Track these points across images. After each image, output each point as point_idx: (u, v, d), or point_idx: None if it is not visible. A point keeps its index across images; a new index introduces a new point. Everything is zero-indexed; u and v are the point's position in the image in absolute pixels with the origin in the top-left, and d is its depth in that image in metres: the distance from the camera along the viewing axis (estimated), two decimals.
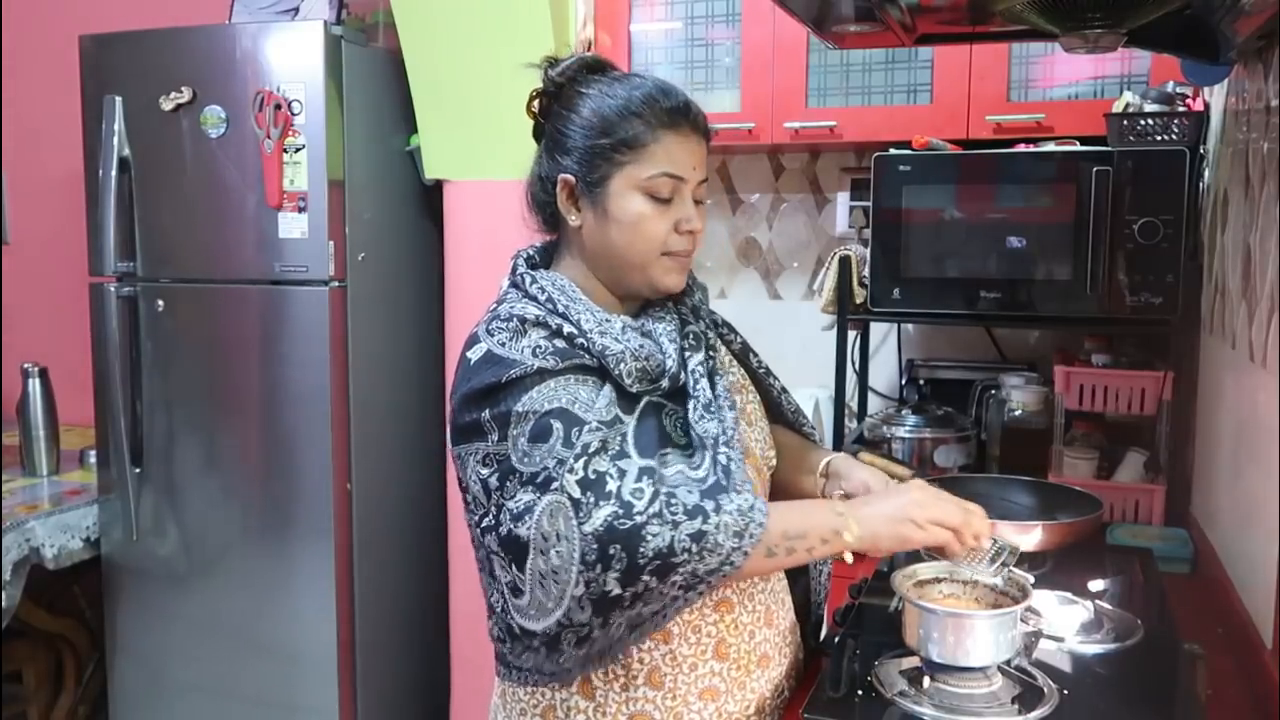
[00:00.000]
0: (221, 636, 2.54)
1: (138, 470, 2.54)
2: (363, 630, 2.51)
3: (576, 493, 1.06)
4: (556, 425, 1.10)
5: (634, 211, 1.20)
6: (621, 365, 1.16)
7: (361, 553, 2.50)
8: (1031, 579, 1.30)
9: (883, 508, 1.19)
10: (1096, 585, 1.61)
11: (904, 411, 2.41)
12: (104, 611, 2.67)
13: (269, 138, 2.34)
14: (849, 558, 1.18)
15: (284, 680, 2.50)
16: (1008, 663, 1.25)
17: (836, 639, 1.41)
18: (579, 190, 1.22)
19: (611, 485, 1.06)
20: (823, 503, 1.24)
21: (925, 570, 1.35)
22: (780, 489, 1.38)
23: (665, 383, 1.20)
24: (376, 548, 2.55)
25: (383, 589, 2.58)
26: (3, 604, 2.32)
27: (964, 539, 1.20)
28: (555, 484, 1.07)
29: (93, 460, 2.66)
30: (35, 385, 2.69)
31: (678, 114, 1.20)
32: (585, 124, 1.21)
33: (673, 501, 1.06)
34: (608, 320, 1.20)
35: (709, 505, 1.07)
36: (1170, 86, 2.05)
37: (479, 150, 2.41)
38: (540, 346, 1.15)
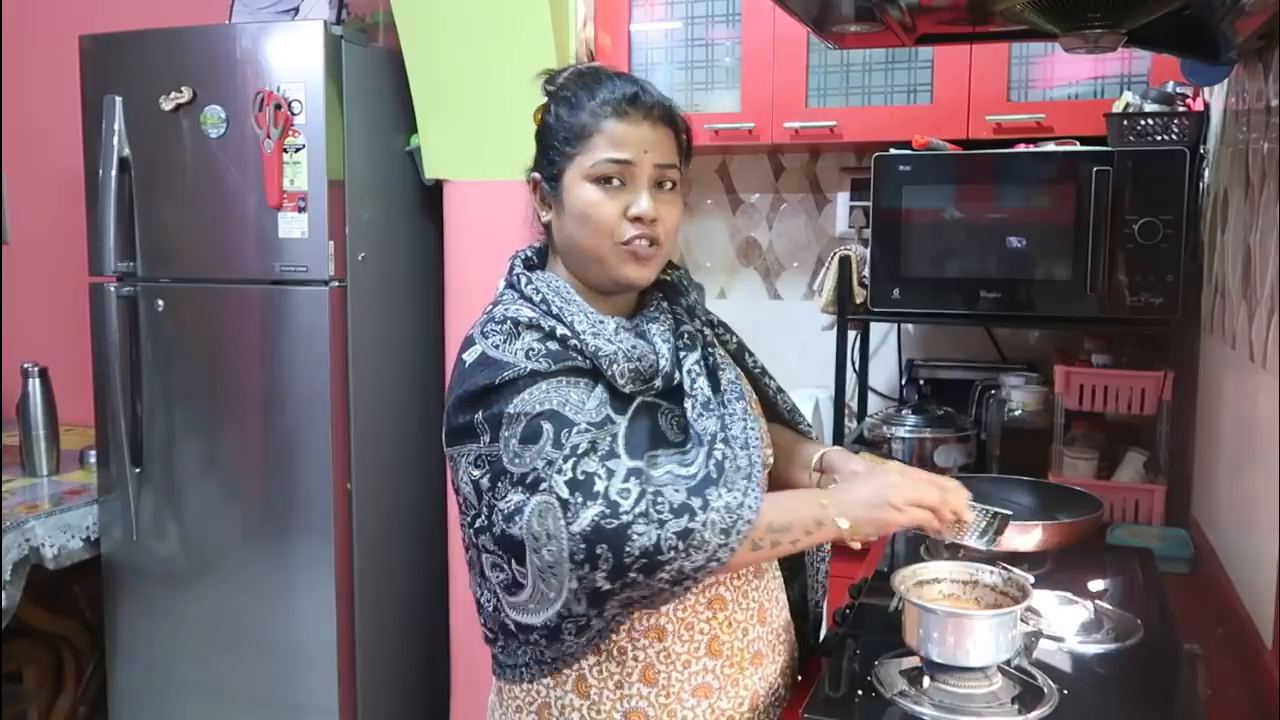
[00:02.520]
0: (221, 636, 2.54)
1: (138, 470, 2.54)
2: (363, 630, 2.51)
3: (565, 493, 1.07)
4: (547, 427, 1.11)
5: (583, 200, 1.20)
6: (614, 366, 1.17)
7: (361, 553, 2.50)
8: (1031, 579, 1.30)
9: (860, 493, 1.20)
10: (1096, 585, 1.61)
11: (904, 411, 2.41)
12: (104, 611, 2.66)
13: (269, 138, 2.34)
14: (857, 544, 1.19)
15: (284, 680, 2.50)
16: (1008, 663, 1.25)
17: (837, 639, 1.41)
18: (545, 188, 1.25)
19: (599, 485, 1.07)
20: (807, 493, 1.25)
21: (925, 570, 1.35)
22: (777, 485, 1.39)
23: (658, 383, 1.21)
24: (376, 548, 2.55)
25: (383, 589, 2.58)
26: (3, 604, 2.32)
27: (943, 516, 1.21)
28: (544, 485, 1.08)
29: (93, 460, 2.66)
30: (35, 385, 2.68)
31: (626, 101, 1.20)
32: (547, 125, 1.24)
33: (659, 500, 1.07)
34: (601, 322, 1.21)
35: (696, 503, 1.08)
36: (1170, 86, 2.05)
37: (479, 150, 2.41)
38: (533, 349, 1.16)
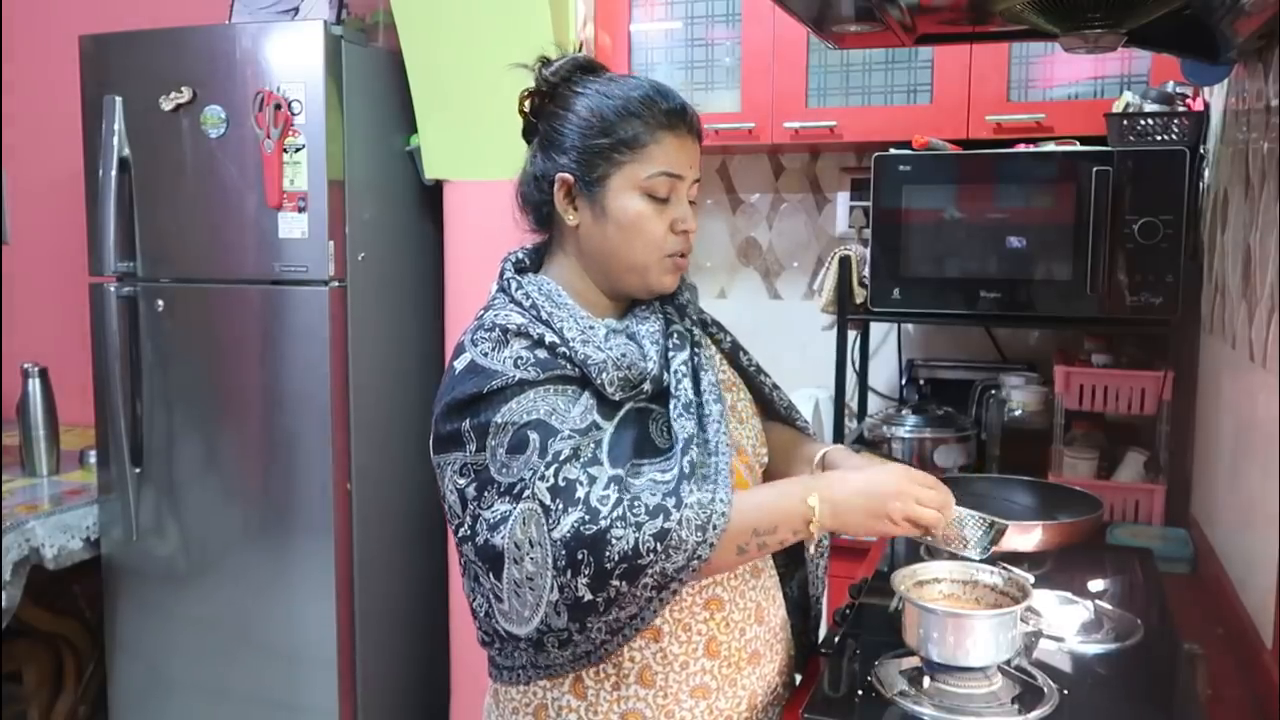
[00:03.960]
0: (221, 636, 2.54)
1: (138, 470, 2.54)
2: (363, 630, 2.51)
3: (547, 500, 1.07)
4: (534, 436, 1.11)
5: (633, 211, 1.20)
6: (604, 374, 1.16)
7: (361, 553, 2.50)
8: (1031, 579, 1.30)
9: (861, 499, 1.15)
10: (1096, 585, 1.61)
11: (904, 411, 2.41)
12: (104, 611, 2.66)
13: (269, 138, 2.34)
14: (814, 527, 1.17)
15: (284, 680, 2.50)
16: (1008, 663, 1.25)
17: (836, 639, 1.41)
18: (577, 189, 1.22)
19: (580, 492, 1.07)
20: (794, 489, 1.17)
21: (925, 570, 1.35)
22: None
23: (647, 386, 1.20)
24: (376, 548, 2.55)
25: (383, 589, 2.58)
26: (3, 604, 2.32)
27: (935, 534, 1.20)
28: (528, 492, 1.08)
29: (93, 460, 2.66)
30: (35, 385, 2.68)
31: (675, 115, 1.21)
32: (583, 123, 1.21)
33: (636, 504, 1.07)
34: (591, 328, 1.21)
35: (670, 503, 1.07)
36: (1170, 86, 2.05)
37: (479, 150, 2.41)
38: (522, 357, 1.16)
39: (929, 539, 1.25)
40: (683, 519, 1.06)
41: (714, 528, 1.08)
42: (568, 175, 1.22)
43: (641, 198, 1.20)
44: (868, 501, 1.15)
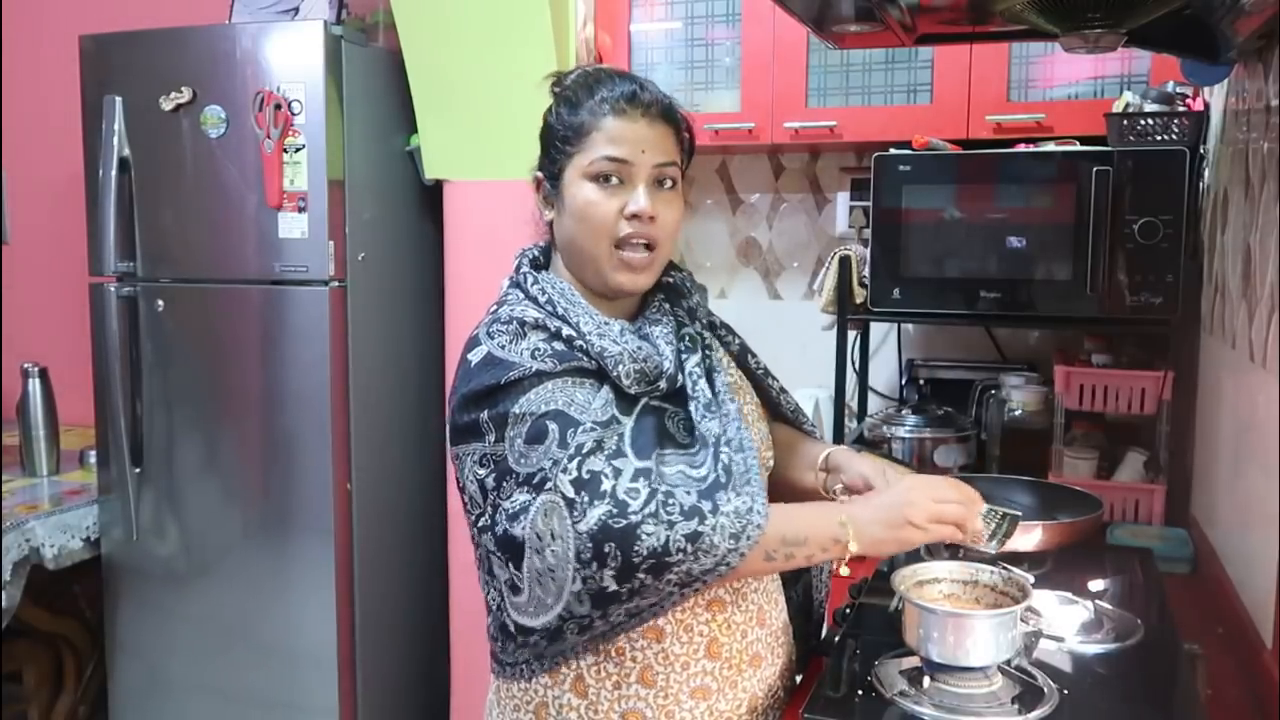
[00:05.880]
0: (221, 636, 2.54)
1: (138, 470, 2.54)
2: (363, 630, 2.51)
3: (570, 492, 1.07)
4: (552, 427, 1.11)
5: (581, 198, 1.21)
6: (620, 367, 1.17)
7: (361, 553, 2.50)
8: (1031, 579, 1.30)
9: (881, 514, 1.17)
10: (1096, 585, 1.61)
11: (904, 411, 2.41)
12: (104, 611, 2.66)
13: (269, 138, 2.34)
14: (844, 570, 1.18)
15: (284, 680, 2.50)
16: (1008, 663, 1.25)
17: (837, 639, 1.41)
18: (546, 187, 1.26)
19: (606, 485, 1.07)
20: (826, 509, 1.21)
21: (925, 570, 1.35)
22: (781, 485, 1.38)
23: (663, 384, 1.21)
24: (376, 548, 2.55)
25: (383, 589, 2.58)
26: (3, 604, 2.32)
27: (966, 529, 1.20)
28: (549, 484, 1.08)
29: (93, 460, 2.66)
30: (35, 385, 2.68)
31: (622, 99, 1.20)
32: (548, 124, 1.25)
33: (670, 502, 1.07)
34: (606, 323, 1.21)
35: (706, 506, 1.08)
36: (1170, 86, 2.05)
37: (479, 150, 2.41)
38: (539, 349, 1.16)
39: (966, 542, 1.24)
40: (718, 525, 1.07)
41: (748, 538, 1.08)
42: (539, 174, 1.26)
43: (590, 185, 1.20)
44: (887, 514, 1.16)
